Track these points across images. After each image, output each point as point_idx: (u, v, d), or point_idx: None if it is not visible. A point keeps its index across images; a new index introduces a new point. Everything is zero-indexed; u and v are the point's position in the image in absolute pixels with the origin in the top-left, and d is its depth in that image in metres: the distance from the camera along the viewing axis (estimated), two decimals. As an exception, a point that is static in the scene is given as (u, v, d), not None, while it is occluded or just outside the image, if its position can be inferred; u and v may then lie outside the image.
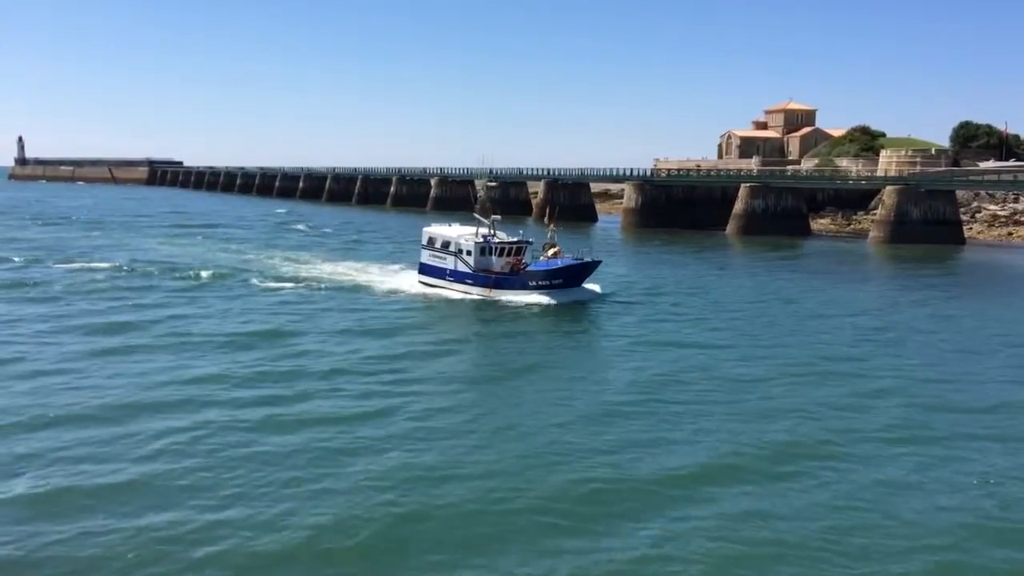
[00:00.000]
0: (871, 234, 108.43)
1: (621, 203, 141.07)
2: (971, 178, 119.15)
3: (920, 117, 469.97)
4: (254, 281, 58.35)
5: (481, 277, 53.79)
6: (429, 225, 60.09)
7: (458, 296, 53.40)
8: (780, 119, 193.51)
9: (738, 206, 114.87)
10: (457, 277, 55.00)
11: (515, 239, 55.59)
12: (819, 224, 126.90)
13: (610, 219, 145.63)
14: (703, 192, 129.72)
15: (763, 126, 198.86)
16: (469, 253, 54.49)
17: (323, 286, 56.47)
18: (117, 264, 66.06)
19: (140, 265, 65.78)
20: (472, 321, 47.18)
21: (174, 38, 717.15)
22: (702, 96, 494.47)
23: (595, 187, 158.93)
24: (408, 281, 58.46)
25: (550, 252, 54.05)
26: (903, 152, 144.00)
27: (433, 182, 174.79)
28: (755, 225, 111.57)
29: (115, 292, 52.52)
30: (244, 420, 27.12)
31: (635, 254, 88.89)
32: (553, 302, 50.15)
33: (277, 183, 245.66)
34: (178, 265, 66.17)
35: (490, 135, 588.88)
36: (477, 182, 68.85)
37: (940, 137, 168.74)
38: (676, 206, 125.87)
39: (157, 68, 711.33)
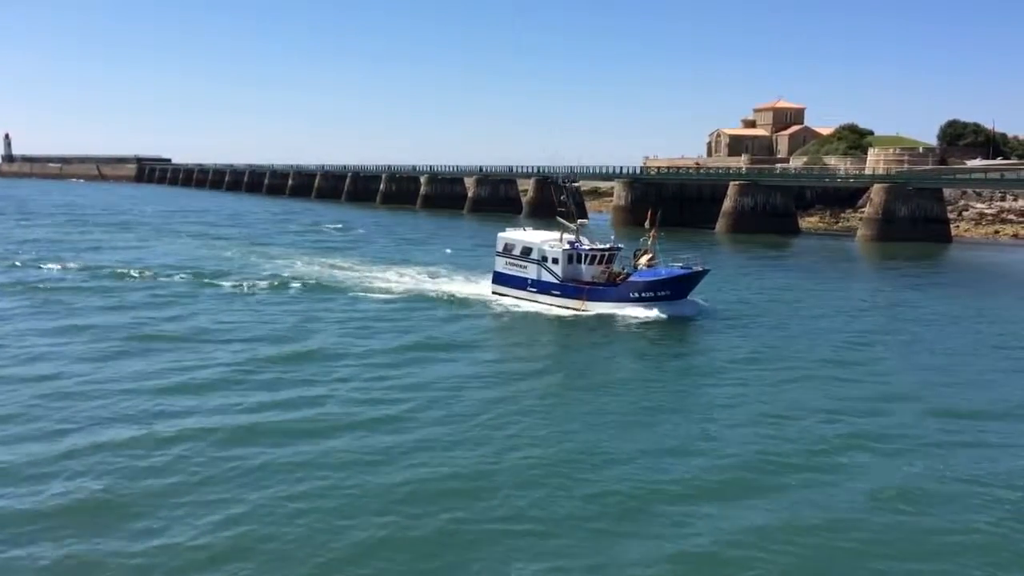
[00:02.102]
0: (859, 232, 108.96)
1: (611, 201, 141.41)
2: (958, 176, 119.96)
3: (908, 115, 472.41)
4: (308, 290, 53.50)
5: (571, 288, 48.22)
6: (504, 230, 54.22)
7: (543, 309, 48.10)
8: (769, 117, 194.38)
9: (727, 204, 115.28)
10: (541, 288, 49.53)
11: (607, 245, 50.04)
12: (807, 222, 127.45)
13: (600, 217, 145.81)
14: (693, 190, 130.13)
15: (752, 124, 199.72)
16: (555, 261, 48.96)
17: (387, 296, 51.51)
18: (148, 270, 60.78)
19: (178, 272, 60.20)
20: (564, 337, 42.18)
21: (162, 35, 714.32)
22: (691, 95, 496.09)
23: (584, 185, 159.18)
24: (480, 291, 53.24)
25: (643, 260, 48.62)
26: (891, 150, 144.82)
27: (423, 179, 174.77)
28: (744, 223, 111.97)
29: (162, 300, 48.38)
30: (309, 450, 24.23)
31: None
32: (659, 316, 45.27)
33: (266, 180, 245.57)
34: (217, 271, 60.91)
35: (481, 132, 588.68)
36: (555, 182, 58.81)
37: (928, 135, 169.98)
38: (666, 204, 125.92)
39: (145, 65, 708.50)
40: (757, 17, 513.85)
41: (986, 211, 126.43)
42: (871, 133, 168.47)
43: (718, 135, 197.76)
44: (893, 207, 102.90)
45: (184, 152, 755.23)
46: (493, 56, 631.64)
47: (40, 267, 61.46)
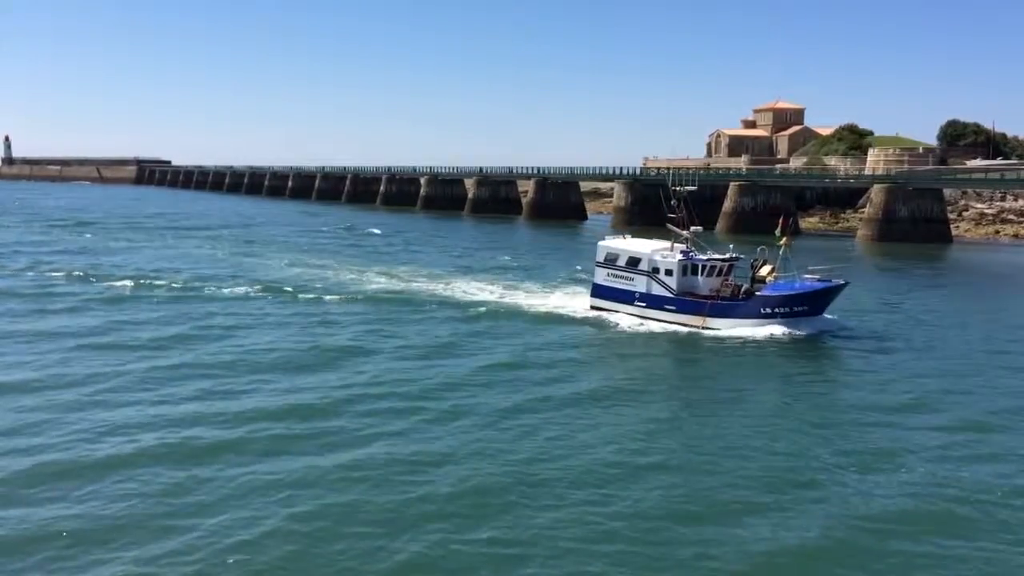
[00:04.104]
0: (859, 232, 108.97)
1: (611, 202, 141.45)
2: (958, 176, 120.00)
3: (908, 116, 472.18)
4: (385, 304, 48.96)
5: (689, 302, 43.90)
6: (604, 239, 49.66)
7: (655, 326, 43.82)
8: (769, 118, 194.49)
9: (727, 204, 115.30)
10: (651, 302, 45.12)
11: (726, 256, 45.52)
12: (808, 223, 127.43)
13: (600, 218, 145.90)
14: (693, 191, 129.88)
15: (752, 125, 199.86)
16: (669, 272, 44.51)
17: (469, 311, 47.26)
18: (210, 281, 56.27)
19: (247, 286, 54.86)
20: (687, 359, 38.18)
21: (161, 37, 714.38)
22: (691, 96, 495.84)
23: (584, 186, 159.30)
24: (576, 304, 48.78)
25: (764, 271, 44.82)
26: (891, 150, 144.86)
27: (423, 181, 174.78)
28: (744, 223, 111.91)
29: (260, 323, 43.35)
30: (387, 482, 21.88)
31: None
32: (794, 334, 41.14)
33: (266, 182, 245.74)
34: (276, 283, 56.25)
35: (480, 134, 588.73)
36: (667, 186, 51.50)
37: (928, 136, 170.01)
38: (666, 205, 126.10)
39: (144, 67, 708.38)
40: (756, 18, 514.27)
41: (986, 211, 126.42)
42: (871, 133, 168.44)
43: (718, 136, 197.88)
44: (893, 207, 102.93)
45: (183, 154, 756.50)
46: (491, 57, 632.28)
47: (93, 279, 56.80)
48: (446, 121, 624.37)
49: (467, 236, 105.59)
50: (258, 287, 54.23)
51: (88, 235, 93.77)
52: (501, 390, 30.84)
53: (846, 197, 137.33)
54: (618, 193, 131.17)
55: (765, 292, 43.33)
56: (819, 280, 43.43)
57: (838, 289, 43.08)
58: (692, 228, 46.84)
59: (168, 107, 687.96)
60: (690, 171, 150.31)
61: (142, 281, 55.82)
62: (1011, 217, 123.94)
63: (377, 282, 57.81)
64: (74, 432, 25.32)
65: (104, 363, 33.65)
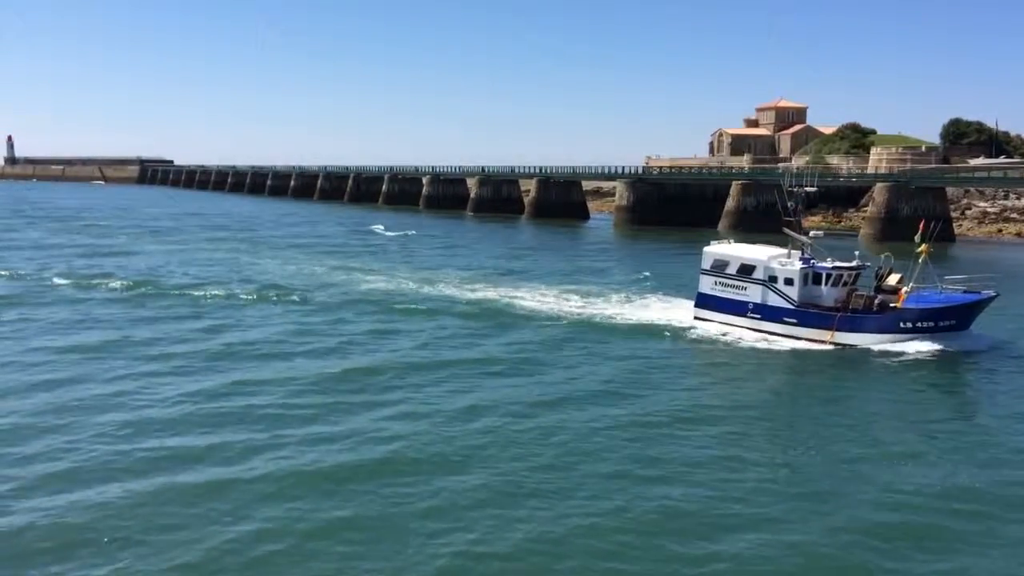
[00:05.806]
0: (862, 231, 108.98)
1: (613, 201, 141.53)
2: (961, 175, 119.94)
3: (910, 114, 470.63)
4: (460, 316, 45.74)
5: (813, 315, 40.20)
6: (709, 244, 45.81)
7: (771, 340, 40.32)
8: (771, 117, 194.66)
9: (730, 203, 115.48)
10: (768, 314, 41.48)
11: (854, 263, 41.44)
12: (810, 221, 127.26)
13: (602, 217, 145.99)
14: (695, 190, 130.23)
15: (754, 124, 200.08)
16: (789, 282, 40.85)
17: (556, 321, 44.10)
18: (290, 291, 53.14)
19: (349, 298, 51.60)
20: (811, 379, 34.70)
21: (163, 37, 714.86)
22: (694, 94, 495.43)
23: (587, 185, 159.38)
24: (673, 315, 45.50)
25: (892, 280, 41.04)
26: (893, 149, 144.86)
27: (425, 180, 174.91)
28: (747, 222, 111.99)
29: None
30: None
31: (646, 252, 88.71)
32: (939, 350, 37.59)
33: (269, 181, 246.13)
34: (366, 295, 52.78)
35: (482, 133, 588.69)
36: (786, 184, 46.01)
37: (930, 134, 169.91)
38: (668, 204, 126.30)
39: (146, 67, 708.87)
40: (759, 16, 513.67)
41: (989, 210, 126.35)
42: (873, 132, 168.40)
43: (720, 135, 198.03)
44: (896, 206, 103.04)
45: (185, 153, 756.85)
46: (492, 56, 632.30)
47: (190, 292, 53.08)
48: (447, 120, 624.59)
49: (494, 237, 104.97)
50: (347, 297, 51.22)
51: (109, 238, 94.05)
52: (604, 409, 28.79)
53: (849, 196, 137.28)
54: (620, 192, 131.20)
55: (907, 304, 39.25)
56: (965, 292, 39.76)
57: (987, 301, 39.43)
58: (812, 233, 42.94)
59: (170, 106, 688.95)
60: (691, 170, 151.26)
61: (224, 291, 53.13)
62: (1014, 216, 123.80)
63: (444, 291, 54.30)
64: (133, 457, 24.17)
65: (155, 378, 32.04)
